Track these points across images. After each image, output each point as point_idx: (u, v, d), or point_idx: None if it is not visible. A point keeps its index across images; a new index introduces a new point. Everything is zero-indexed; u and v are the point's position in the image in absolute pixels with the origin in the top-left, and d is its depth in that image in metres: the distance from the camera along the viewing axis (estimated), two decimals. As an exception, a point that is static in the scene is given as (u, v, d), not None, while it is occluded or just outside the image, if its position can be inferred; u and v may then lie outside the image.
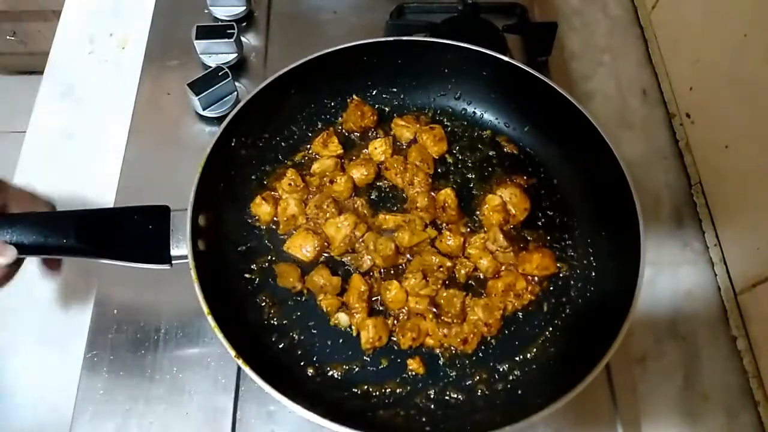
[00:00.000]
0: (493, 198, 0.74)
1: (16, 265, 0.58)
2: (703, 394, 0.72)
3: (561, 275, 0.71)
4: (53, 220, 0.60)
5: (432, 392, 0.64)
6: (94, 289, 0.73)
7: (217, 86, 0.83)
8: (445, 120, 0.81)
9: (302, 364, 0.65)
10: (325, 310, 0.68)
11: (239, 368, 0.65)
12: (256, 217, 0.73)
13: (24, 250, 0.57)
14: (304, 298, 0.69)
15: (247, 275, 0.70)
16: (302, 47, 0.76)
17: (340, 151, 0.77)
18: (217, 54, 0.89)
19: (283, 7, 0.98)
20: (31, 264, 0.63)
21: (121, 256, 0.61)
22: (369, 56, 0.77)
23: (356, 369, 0.65)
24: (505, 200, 0.73)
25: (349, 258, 0.71)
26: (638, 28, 1.00)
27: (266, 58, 0.92)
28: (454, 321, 0.67)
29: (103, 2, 1.00)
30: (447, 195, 0.73)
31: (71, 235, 0.58)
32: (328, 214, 0.72)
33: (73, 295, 0.75)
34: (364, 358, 0.66)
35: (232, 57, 0.89)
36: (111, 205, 0.78)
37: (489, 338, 0.67)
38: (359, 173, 0.76)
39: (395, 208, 0.75)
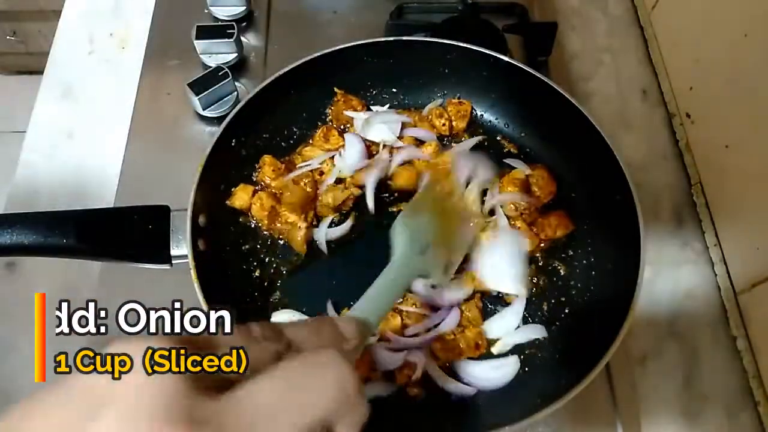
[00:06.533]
0: (519, 171, 0.73)
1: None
2: (703, 394, 0.71)
3: (561, 275, 0.71)
4: (53, 220, 0.60)
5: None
6: (95, 289, 0.73)
7: (217, 86, 0.83)
8: (445, 120, 0.81)
9: (302, 364, 0.65)
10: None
11: (239, 368, 0.65)
12: (254, 217, 0.73)
13: (24, 250, 0.57)
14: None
15: (247, 275, 0.70)
16: (302, 47, 0.76)
17: (342, 143, 0.77)
18: (217, 54, 0.89)
19: (283, 7, 0.98)
20: (32, 263, 0.63)
21: (121, 256, 0.61)
22: (369, 56, 0.77)
23: (356, 369, 0.65)
24: (531, 182, 0.71)
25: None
26: (638, 28, 0.99)
27: (266, 58, 0.92)
28: (455, 335, 0.65)
29: (103, 2, 1.00)
30: (447, 195, 0.73)
31: (71, 235, 0.58)
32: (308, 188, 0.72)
33: (73, 295, 0.75)
34: (364, 358, 0.66)
35: (232, 57, 0.89)
36: (111, 205, 0.78)
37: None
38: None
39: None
